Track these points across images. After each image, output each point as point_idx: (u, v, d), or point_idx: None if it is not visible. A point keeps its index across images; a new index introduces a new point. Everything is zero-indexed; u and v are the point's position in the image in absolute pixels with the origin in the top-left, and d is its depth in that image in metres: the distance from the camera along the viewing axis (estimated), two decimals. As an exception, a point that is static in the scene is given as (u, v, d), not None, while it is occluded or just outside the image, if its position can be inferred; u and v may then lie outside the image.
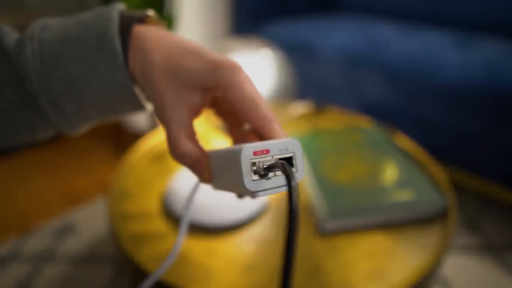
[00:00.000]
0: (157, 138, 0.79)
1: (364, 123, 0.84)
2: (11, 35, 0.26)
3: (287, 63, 0.76)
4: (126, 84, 0.26)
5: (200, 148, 0.27)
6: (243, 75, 0.26)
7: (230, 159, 0.24)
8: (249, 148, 0.22)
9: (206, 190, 0.60)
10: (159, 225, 0.56)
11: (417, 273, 0.46)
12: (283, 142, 0.23)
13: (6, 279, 0.87)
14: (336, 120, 0.87)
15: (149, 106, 0.30)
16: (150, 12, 0.28)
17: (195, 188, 0.32)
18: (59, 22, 0.27)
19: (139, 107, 0.29)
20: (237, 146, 0.24)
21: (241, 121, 0.31)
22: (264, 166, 0.23)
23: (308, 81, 1.30)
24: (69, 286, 0.85)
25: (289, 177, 0.21)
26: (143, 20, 0.29)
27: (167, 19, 1.22)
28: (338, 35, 1.23)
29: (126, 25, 0.26)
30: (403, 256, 0.50)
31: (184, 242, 0.52)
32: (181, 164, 0.27)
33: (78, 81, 0.26)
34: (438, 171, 0.66)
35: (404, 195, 0.57)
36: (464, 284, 0.86)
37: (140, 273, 0.48)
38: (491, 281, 0.86)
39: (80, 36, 0.26)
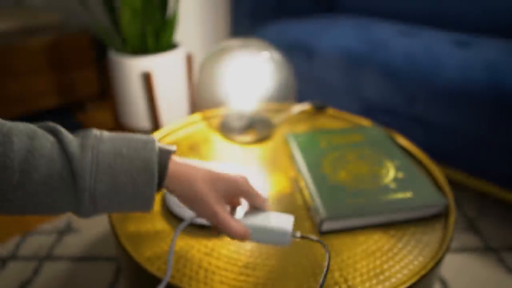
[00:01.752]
0: (157, 138, 0.79)
1: (364, 123, 0.84)
2: (74, 140, 0.35)
3: (286, 63, 0.76)
4: (151, 197, 0.36)
5: (243, 227, 0.40)
6: (250, 183, 0.41)
7: (276, 235, 0.41)
8: (290, 231, 0.41)
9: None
10: (159, 225, 0.56)
11: (417, 273, 0.46)
12: (288, 217, 0.42)
13: (6, 279, 0.87)
14: (336, 120, 0.87)
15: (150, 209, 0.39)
16: (174, 147, 0.40)
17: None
18: (112, 138, 0.36)
19: (145, 211, 0.38)
20: (282, 228, 0.40)
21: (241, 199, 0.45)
22: (301, 236, 0.41)
23: (307, 82, 1.30)
24: (69, 286, 0.85)
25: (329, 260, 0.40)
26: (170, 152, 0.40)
27: (169, 21, 1.22)
28: (337, 35, 1.23)
29: (164, 155, 0.38)
30: (403, 256, 0.50)
31: (184, 242, 0.52)
32: (233, 239, 0.41)
33: (119, 188, 0.35)
34: (438, 171, 0.66)
35: (404, 195, 0.57)
36: (464, 284, 0.85)
37: (140, 273, 0.48)
38: (491, 281, 0.86)
39: (130, 156, 0.35)
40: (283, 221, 0.42)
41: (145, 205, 0.37)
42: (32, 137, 0.33)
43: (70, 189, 0.34)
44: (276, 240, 0.41)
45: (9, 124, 0.34)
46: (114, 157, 0.35)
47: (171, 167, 0.38)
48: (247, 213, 0.42)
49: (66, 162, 0.34)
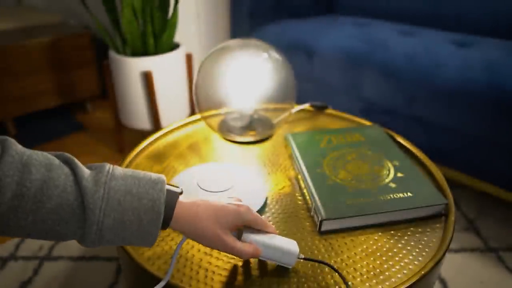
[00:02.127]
0: (158, 138, 0.79)
1: (364, 123, 0.84)
2: (88, 175, 0.37)
3: (286, 64, 0.76)
4: (155, 235, 0.39)
5: (252, 246, 0.44)
6: (252, 212, 0.44)
7: (284, 253, 0.45)
8: (297, 252, 0.46)
9: (205, 191, 0.60)
10: (159, 225, 0.56)
11: (417, 273, 0.46)
12: (292, 241, 0.47)
13: (6, 279, 0.87)
14: (336, 120, 0.87)
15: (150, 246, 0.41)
16: (180, 189, 0.42)
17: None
18: (124, 175, 0.39)
19: (147, 247, 0.42)
20: (290, 249, 0.45)
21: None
22: (303, 257, 0.47)
23: (307, 82, 1.30)
24: (69, 286, 0.85)
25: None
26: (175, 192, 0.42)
27: (169, 21, 1.22)
28: (337, 35, 1.23)
29: (171, 197, 0.40)
30: (403, 256, 0.50)
31: (185, 242, 0.52)
32: (245, 259, 0.47)
33: (126, 224, 0.37)
34: (438, 171, 0.66)
35: (404, 195, 0.57)
36: (464, 284, 0.86)
37: (140, 273, 0.48)
38: (490, 281, 0.86)
39: (139, 195, 0.38)
40: (289, 244, 0.46)
41: (148, 242, 0.40)
42: (49, 169, 0.36)
43: (79, 220, 0.36)
44: (283, 259, 0.45)
45: (28, 153, 0.36)
46: (124, 195, 0.37)
47: (177, 209, 0.40)
48: (256, 233, 0.45)
49: (79, 195, 0.36)
